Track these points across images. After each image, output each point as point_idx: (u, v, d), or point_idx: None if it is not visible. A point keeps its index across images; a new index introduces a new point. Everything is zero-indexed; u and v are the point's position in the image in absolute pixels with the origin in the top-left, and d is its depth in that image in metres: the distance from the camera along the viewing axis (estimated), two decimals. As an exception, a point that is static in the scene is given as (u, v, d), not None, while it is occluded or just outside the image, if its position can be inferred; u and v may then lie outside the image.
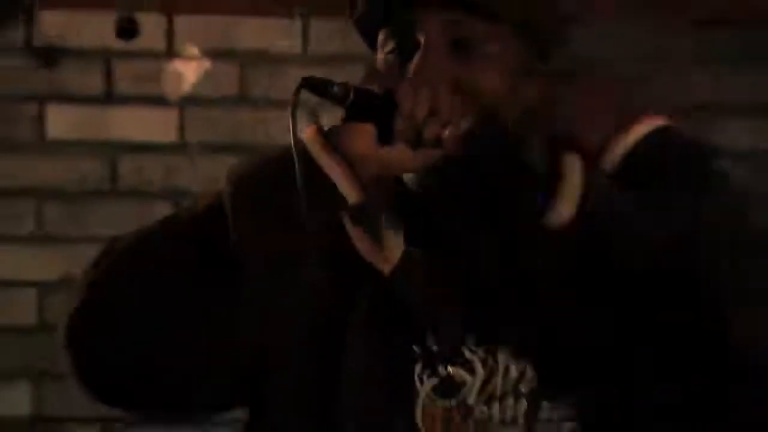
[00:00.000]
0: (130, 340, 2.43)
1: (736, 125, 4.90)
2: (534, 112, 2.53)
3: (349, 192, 2.35)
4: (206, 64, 4.65)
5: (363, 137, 2.33)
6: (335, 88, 2.32)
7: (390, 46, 2.43)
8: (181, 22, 4.63)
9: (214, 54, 4.58)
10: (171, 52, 4.64)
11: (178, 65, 4.63)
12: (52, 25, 4.59)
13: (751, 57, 4.93)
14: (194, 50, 4.62)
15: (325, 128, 2.34)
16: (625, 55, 4.93)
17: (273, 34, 4.47)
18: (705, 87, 4.92)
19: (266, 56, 4.37)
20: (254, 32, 4.44)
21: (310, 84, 2.32)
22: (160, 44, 4.61)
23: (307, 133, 2.32)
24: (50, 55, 4.55)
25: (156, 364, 2.44)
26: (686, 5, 4.89)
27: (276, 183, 2.37)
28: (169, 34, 4.65)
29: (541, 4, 2.57)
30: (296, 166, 2.34)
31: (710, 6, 4.90)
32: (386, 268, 2.43)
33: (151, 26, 4.56)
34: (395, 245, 2.44)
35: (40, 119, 4.59)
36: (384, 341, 2.52)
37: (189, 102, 4.45)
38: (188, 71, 4.62)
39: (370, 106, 2.34)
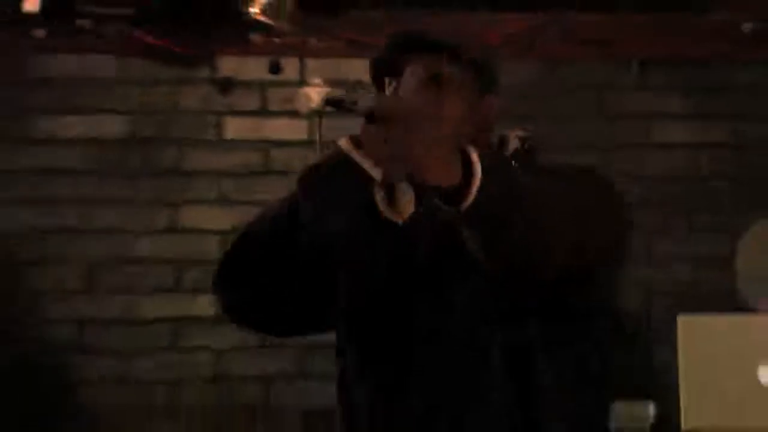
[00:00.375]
0: (251, 287, 2.66)
1: (671, 126, 4.99)
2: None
3: (375, 173, 2.50)
4: (326, 89, 4.66)
5: (377, 138, 2.40)
6: (348, 104, 2.46)
7: (392, 86, 2.65)
8: (309, 62, 4.86)
9: (331, 83, 4.56)
10: (303, 82, 4.85)
11: (307, 90, 4.64)
12: (227, 65, 4.83)
13: (681, 85, 4.99)
14: (318, 80, 4.65)
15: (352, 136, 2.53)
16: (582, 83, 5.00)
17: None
18: (645, 103, 5.00)
19: (364, 84, 4.41)
20: (356, 68, 4.44)
21: (330, 101, 2.57)
22: (295, 77, 4.85)
23: (342, 140, 2.54)
24: (226, 85, 4.82)
25: (267, 301, 2.67)
26: (635, 50, 4.96)
27: (323, 175, 2.57)
28: (302, 71, 4.88)
29: (487, 52, 2.75)
30: (324, 160, 2.59)
31: (652, 51, 4.94)
32: (400, 221, 2.53)
33: (290, 66, 4.78)
34: (407, 206, 2.53)
35: (219, 126, 4.88)
36: (398, 270, 2.65)
37: (314, 114, 4.57)
38: (314, 94, 4.61)
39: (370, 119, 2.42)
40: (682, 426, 3.87)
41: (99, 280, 4.80)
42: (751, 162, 4.98)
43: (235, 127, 4.87)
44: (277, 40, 4.66)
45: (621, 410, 4.16)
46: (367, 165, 2.51)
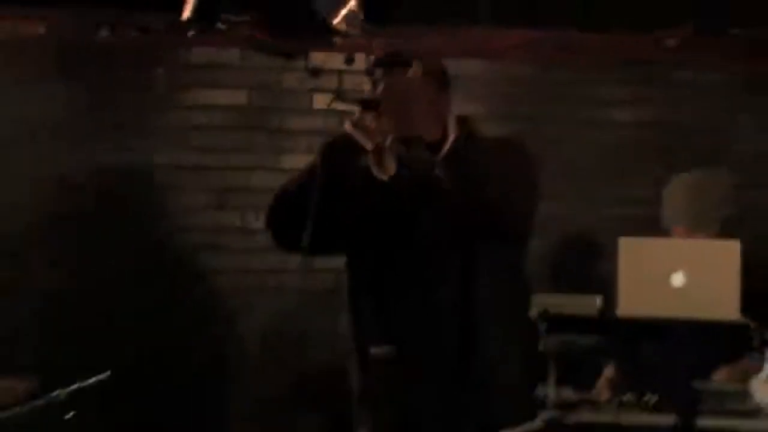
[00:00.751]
0: (289, 224, 2.82)
1: (625, 108, 4.99)
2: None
3: (367, 145, 2.71)
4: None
5: (368, 123, 2.70)
6: (351, 98, 2.78)
7: (381, 86, 2.84)
8: (373, 58, 4.23)
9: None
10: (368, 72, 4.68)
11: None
12: (316, 58, 4.84)
13: (633, 80, 5.00)
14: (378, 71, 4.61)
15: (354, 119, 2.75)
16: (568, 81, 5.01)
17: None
18: (621, 94, 5.02)
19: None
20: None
21: (339, 96, 2.92)
22: (363, 67, 4.45)
23: (346, 123, 2.75)
24: (315, 71, 4.85)
25: (298, 234, 2.78)
26: (618, 50, 4.95)
27: (334, 148, 2.78)
28: (368, 63, 4.21)
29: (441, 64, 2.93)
30: (335, 137, 2.77)
31: (618, 55, 4.97)
32: (385, 177, 2.72)
33: (359, 59, 4.74)
34: (390, 168, 2.71)
35: (310, 100, 4.92)
36: (386, 213, 2.83)
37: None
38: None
39: (371, 105, 2.70)
40: (619, 313, 3.66)
41: (226, 201, 4.89)
42: (679, 134, 4.97)
43: (320, 101, 4.91)
44: (351, 41, 4.63)
45: (576, 301, 3.80)
46: (361, 139, 2.71)
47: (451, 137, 2.67)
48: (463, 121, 2.88)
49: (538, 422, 2.94)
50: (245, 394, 4.82)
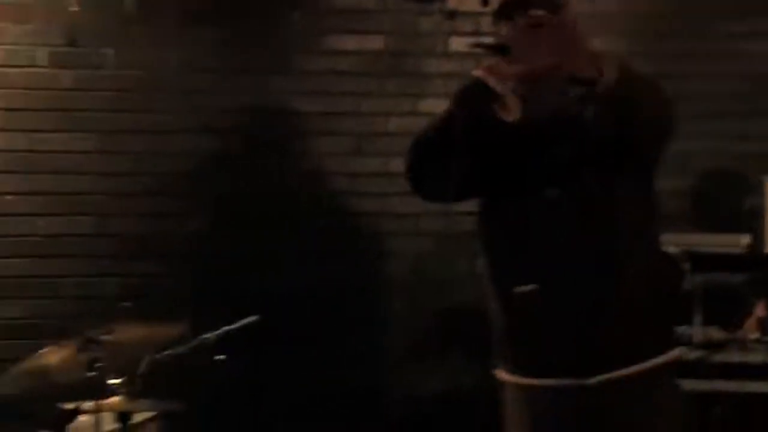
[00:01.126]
0: (430, 168, 2.80)
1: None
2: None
3: (499, 89, 2.65)
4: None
5: (501, 67, 2.63)
6: (484, 45, 2.67)
7: (508, 29, 2.71)
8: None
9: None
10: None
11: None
12: (453, 1, 4.74)
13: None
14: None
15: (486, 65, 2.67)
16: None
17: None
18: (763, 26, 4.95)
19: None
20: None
21: (476, 45, 2.68)
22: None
23: (477, 69, 2.68)
24: (451, 14, 4.80)
25: (438, 180, 2.77)
26: None
27: (468, 93, 2.76)
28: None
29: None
30: (468, 83, 2.75)
31: None
32: (512, 119, 2.67)
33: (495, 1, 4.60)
34: (516, 109, 2.65)
35: (446, 43, 4.91)
36: (512, 157, 2.80)
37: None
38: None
39: (501, 50, 2.64)
40: (765, 251, 3.92)
41: (363, 146, 4.93)
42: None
43: (456, 44, 4.90)
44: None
45: (721, 240, 4.11)
46: (494, 84, 2.66)
47: (612, 77, 2.59)
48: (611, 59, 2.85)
49: (675, 352, 2.85)
50: (387, 337, 4.86)
